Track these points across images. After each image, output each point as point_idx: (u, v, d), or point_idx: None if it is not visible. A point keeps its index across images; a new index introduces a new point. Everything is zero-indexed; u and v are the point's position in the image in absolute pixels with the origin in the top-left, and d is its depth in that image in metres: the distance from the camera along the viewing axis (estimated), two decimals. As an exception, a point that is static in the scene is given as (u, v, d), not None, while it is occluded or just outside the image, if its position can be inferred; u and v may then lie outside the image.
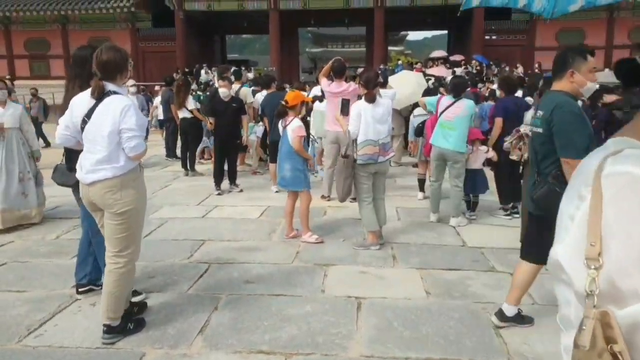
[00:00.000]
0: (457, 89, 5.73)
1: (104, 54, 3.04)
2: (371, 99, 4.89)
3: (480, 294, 3.90)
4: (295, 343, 3.16)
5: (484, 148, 5.94)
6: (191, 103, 8.94)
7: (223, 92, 7.43)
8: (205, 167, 9.44)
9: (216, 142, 7.60)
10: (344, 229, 5.58)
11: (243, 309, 3.64)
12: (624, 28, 25.65)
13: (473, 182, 5.94)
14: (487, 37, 25.85)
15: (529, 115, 4.55)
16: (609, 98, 6.42)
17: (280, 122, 5.29)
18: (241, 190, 7.54)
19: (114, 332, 3.18)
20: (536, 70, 19.74)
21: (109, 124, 2.99)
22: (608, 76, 10.47)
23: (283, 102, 5.18)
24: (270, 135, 7.19)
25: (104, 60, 3.04)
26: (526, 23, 26.13)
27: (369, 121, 4.86)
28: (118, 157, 3.04)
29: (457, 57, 22.30)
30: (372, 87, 4.95)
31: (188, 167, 8.95)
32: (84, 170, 3.10)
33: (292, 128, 5.02)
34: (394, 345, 3.13)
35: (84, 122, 3.08)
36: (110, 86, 3.08)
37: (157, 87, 16.18)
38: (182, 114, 8.88)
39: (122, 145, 3.02)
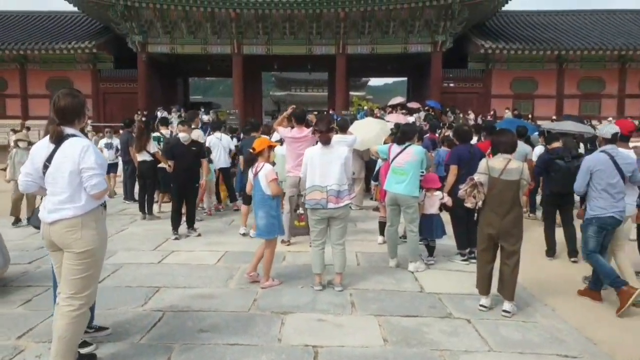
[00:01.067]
0: (404, 137, 5.89)
1: (61, 100, 3.10)
2: (325, 141, 5.03)
3: (437, 341, 3.90)
4: (249, 397, 3.06)
5: (438, 194, 6.08)
6: (153, 146, 8.85)
7: (183, 136, 7.40)
8: (164, 210, 9.27)
9: (175, 186, 7.49)
10: (302, 275, 5.52)
11: (196, 359, 3.51)
12: (574, 79, 27.13)
13: (429, 227, 6.05)
14: (444, 84, 26.86)
15: (483, 163, 4.69)
16: (553, 145, 6.73)
17: (250, 169, 5.25)
18: (199, 235, 7.41)
19: None
20: (489, 117, 20.53)
21: (70, 165, 3.04)
22: (563, 125, 11.02)
23: (250, 150, 5.20)
24: (244, 179, 7.14)
25: (62, 106, 3.10)
26: (482, 72, 27.34)
27: (316, 166, 4.98)
28: (80, 197, 3.07)
29: (413, 105, 23.09)
30: (327, 130, 5.11)
31: (146, 210, 8.76)
32: (46, 210, 3.12)
33: (264, 174, 5.02)
34: (350, 397, 3.07)
35: (45, 167, 3.12)
36: (68, 130, 3.12)
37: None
38: (142, 157, 8.76)
39: (83, 184, 3.05)
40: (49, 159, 3.09)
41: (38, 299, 4.73)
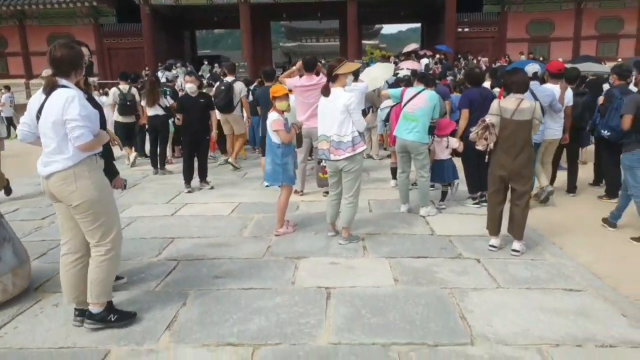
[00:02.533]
0: (426, 80, 5.87)
1: (57, 50, 3.03)
2: (324, 92, 4.84)
3: (447, 280, 3.98)
4: (264, 334, 3.18)
5: (451, 140, 6.03)
6: (165, 100, 8.85)
7: (190, 87, 7.36)
8: (175, 165, 9.37)
9: (185, 139, 7.53)
10: (316, 223, 5.60)
11: (212, 303, 3.64)
12: (591, 19, 26.14)
13: (441, 172, 6.04)
14: (459, 30, 26.09)
15: (495, 104, 4.62)
16: None
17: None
18: (212, 187, 7.51)
19: (94, 319, 3.23)
20: (503, 63, 20.09)
21: (53, 114, 2.99)
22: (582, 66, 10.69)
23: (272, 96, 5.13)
24: (263, 129, 7.14)
25: (57, 57, 3.03)
26: (497, 15, 26.47)
27: (322, 116, 4.89)
28: (67, 148, 3.04)
29: (426, 52, 22.75)
30: (331, 79, 4.84)
31: (158, 165, 8.85)
32: (42, 164, 3.13)
33: (269, 122, 5.04)
34: (362, 332, 3.17)
35: (37, 118, 3.09)
36: (62, 81, 3.08)
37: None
38: (153, 111, 8.77)
39: (68, 135, 3.01)
40: (40, 110, 3.07)
41: (53, 252, 4.85)
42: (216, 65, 23.79)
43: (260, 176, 7.96)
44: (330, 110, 4.76)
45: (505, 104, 4.53)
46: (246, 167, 9.31)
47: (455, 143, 6.03)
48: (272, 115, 5.06)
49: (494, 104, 4.65)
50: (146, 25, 24.08)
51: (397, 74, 10.25)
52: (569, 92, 6.34)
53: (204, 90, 8.64)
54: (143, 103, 9.14)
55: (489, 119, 4.58)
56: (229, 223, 5.72)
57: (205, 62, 23.77)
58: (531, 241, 4.80)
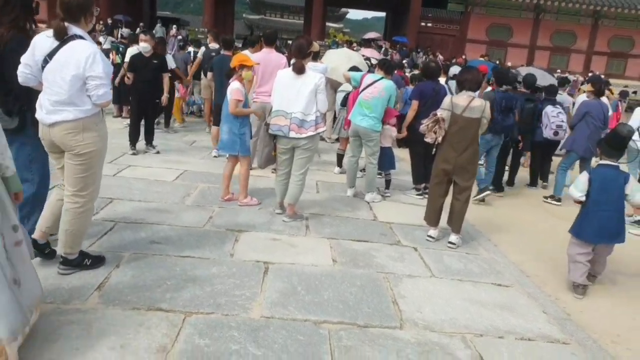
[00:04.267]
0: (386, 70, 5.92)
1: None
2: (299, 69, 4.67)
3: (384, 264, 4.07)
4: (197, 302, 3.15)
5: (390, 128, 6.13)
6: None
7: (144, 47, 7.08)
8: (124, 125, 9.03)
9: (133, 100, 7.25)
10: (262, 197, 5.56)
11: (146, 268, 3.55)
12: (547, 30, 27.15)
13: (381, 160, 6.10)
14: (422, 24, 26.42)
15: (447, 99, 4.72)
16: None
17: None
18: (158, 152, 7.29)
19: (70, 264, 3.33)
20: (460, 62, 20.58)
21: (73, 68, 2.95)
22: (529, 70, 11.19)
23: (231, 66, 5.06)
24: (216, 98, 6.96)
25: (66, 1, 2.97)
26: (461, 14, 26.96)
27: (285, 92, 4.71)
28: (82, 101, 3.04)
29: (385, 42, 23.08)
30: (302, 56, 4.72)
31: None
32: (45, 110, 3.07)
33: (229, 90, 4.95)
34: (295, 309, 3.20)
35: (45, 62, 3.01)
36: (74, 29, 3.02)
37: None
38: None
39: (88, 92, 3.02)
40: (51, 55, 2.99)
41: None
42: (174, 27, 22.93)
43: (208, 146, 7.84)
44: (297, 89, 4.64)
45: (457, 101, 4.64)
46: (194, 134, 9.10)
47: (393, 132, 6.11)
48: (235, 84, 4.96)
49: (447, 99, 4.75)
50: (103, -23, 22.93)
51: (370, 65, 10.23)
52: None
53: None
54: None
55: (440, 113, 4.68)
56: (172, 189, 5.59)
57: (159, 24, 22.81)
58: (468, 236, 4.99)
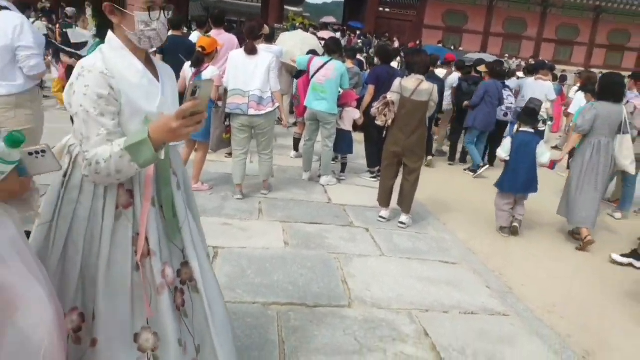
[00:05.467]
0: (329, 50, 5.93)
1: None
2: (250, 50, 4.80)
3: (335, 245, 4.13)
4: (144, 288, 3.11)
5: (352, 110, 6.16)
6: None
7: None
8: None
9: None
10: (214, 182, 5.52)
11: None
12: (500, 17, 27.76)
13: (340, 143, 6.15)
14: (380, 9, 26.52)
15: (396, 82, 4.78)
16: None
17: (189, 69, 4.98)
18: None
19: None
20: (412, 46, 20.97)
21: (1, 40, 2.85)
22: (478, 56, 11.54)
23: (199, 49, 4.93)
24: None
25: None
26: (417, 0, 27.16)
27: (240, 71, 4.80)
28: (14, 75, 2.94)
29: (341, 27, 23.36)
30: (253, 37, 4.87)
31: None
32: None
33: (210, 76, 4.80)
34: (244, 292, 3.21)
35: None
36: (1, 2, 2.92)
37: None
38: None
39: (20, 63, 2.93)
40: None
41: None
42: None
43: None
44: (252, 67, 4.77)
45: (406, 84, 4.70)
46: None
47: (356, 114, 6.16)
48: (213, 70, 4.93)
49: (396, 82, 4.81)
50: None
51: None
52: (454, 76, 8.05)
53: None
54: None
55: (389, 96, 4.74)
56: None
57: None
58: (418, 216, 5.11)
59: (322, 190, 5.74)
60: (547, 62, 12.43)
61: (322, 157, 6.03)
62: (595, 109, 4.84)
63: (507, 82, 8.21)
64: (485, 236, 4.95)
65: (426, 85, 4.69)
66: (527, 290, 3.84)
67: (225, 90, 4.93)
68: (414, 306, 3.31)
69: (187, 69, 5.01)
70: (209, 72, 4.88)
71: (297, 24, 27.45)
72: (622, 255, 4.56)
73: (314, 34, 16.17)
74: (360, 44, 20.18)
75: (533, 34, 27.94)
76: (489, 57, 10.97)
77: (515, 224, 4.98)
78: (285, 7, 33.45)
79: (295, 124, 8.02)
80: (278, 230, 4.34)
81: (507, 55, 25.06)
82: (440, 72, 8.31)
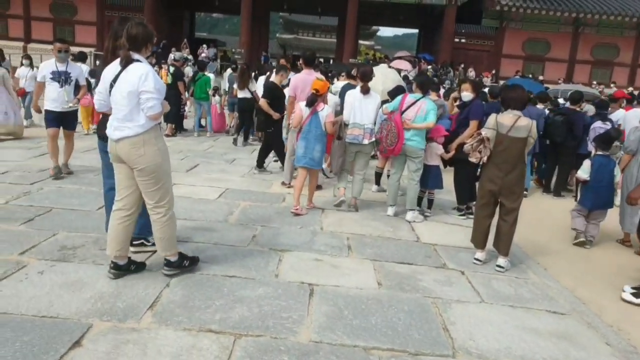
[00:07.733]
0: (424, 87, 5.84)
1: (133, 28, 3.41)
2: (365, 91, 5.84)
3: (431, 289, 3.98)
4: (246, 324, 3.14)
5: (437, 146, 6.03)
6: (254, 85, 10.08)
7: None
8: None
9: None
10: (301, 216, 5.58)
11: (195, 287, 3.59)
12: (588, 44, 26.55)
13: (426, 178, 6.02)
14: (456, 40, 26.25)
15: (492, 118, 4.63)
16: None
17: (305, 108, 5.76)
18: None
19: (172, 266, 3.75)
20: (487, 76, 20.63)
21: (129, 86, 3.34)
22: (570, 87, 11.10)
23: (313, 91, 5.69)
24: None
25: (133, 34, 3.40)
26: (495, 30, 26.68)
27: (357, 109, 5.83)
28: (138, 117, 3.39)
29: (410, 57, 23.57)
30: (367, 80, 5.94)
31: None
32: (112, 128, 3.48)
33: (326, 114, 5.73)
34: (343, 333, 3.16)
35: (111, 87, 3.45)
36: (135, 56, 3.42)
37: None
38: (242, 94, 10.03)
39: (141, 105, 3.36)
40: (115, 79, 3.42)
41: (40, 218, 4.78)
42: (203, 46, 23.73)
43: (248, 164, 7.99)
44: (366, 105, 5.86)
45: (502, 120, 4.55)
46: (234, 153, 9.24)
47: (439, 150, 6.02)
48: (328, 109, 5.83)
49: (491, 119, 4.65)
50: (148, 1, 23.85)
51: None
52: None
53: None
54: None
55: (484, 132, 4.59)
56: (216, 207, 5.67)
57: (204, 45, 23.51)
58: (515, 258, 4.85)
59: (409, 227, 5.63)
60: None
61: (407, 191, 5.94)
62: (639, 131, 5.64)
63: (611, 115, 8.06)
64: (595, 283, 4.59)
65: (524, 121, 4.50)
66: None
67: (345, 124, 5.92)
68: None
69: (303, 107, 5.75)
70: (325, 111, 5.75)
71: (370, 58, 27.74)
72: None
73: (388, 64, 16.31)
74: (431, 70, 20.24)
75: (627, 59, 26.40)
76: (582, 88, 10.52)
77: (585, 241, 5.61)
78: (359, 41, 33.96)
79: (374, 156, 7.98)
80: (369, 269, 4.27)
81: (595, 82, 23.87)
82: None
